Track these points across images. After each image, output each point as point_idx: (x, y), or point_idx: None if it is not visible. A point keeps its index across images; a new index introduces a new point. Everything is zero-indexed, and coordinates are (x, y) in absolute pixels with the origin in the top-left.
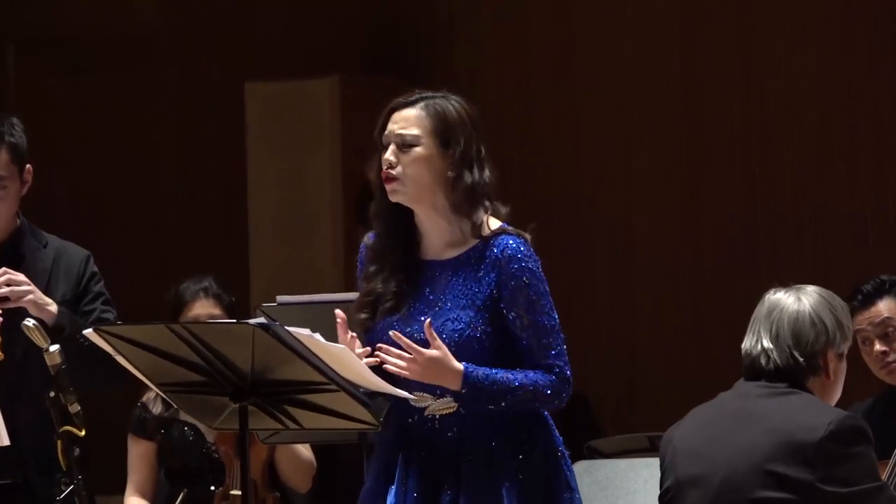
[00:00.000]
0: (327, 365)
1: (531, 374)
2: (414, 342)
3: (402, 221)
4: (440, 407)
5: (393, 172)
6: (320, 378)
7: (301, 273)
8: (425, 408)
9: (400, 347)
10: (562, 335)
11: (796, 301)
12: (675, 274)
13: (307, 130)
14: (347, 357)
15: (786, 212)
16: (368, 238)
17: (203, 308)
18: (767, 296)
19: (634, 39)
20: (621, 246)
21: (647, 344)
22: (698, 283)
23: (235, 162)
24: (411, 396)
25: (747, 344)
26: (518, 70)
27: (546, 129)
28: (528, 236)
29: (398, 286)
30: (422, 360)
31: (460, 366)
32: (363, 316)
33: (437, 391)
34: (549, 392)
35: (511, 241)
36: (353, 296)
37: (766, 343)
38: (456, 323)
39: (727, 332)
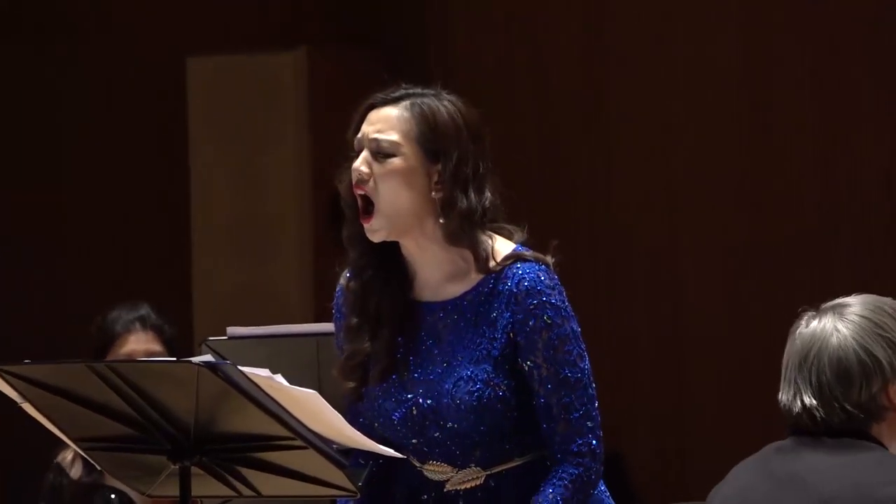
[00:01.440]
0: (291, 414)
1: (551, 490)
2: (419, 413)
3: (386, 250)
4: (464, 480)
5: (364, 188)
6: (283, 431)
7: (257, 299)
8: (444, 482)
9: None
10: (592, 391)
11: (835, 333)
12: (732, 313)
13: (266, 118)
14: (317, 404)
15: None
16: (346, 278)
17: (139, 343)
18: (798, 329)
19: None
20: (665, 280)
21: (698, 395)
22: (758, 323)
23: (174, 158)
24: (398, 455)
25: (785, 398)
26: (531, 40)
27: (570, 127)
28: (549, 261)
29: (390, 340)
30: None
31: None
32: (351, 385)
33: (459, 461)
34: (580, 495)
35: (528, 270)
36: (323, 328)
37: (808, 399)
38: (472, 383)
39: None
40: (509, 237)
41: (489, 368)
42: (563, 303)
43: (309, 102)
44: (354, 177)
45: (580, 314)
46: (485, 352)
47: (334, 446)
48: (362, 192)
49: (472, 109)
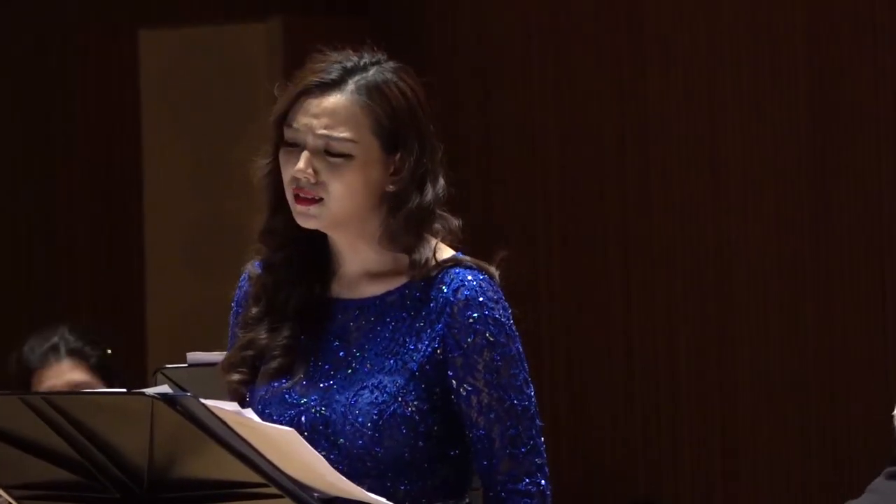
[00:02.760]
0: (264, 456)
1: None
2: (307, 423)
3: (304, 243)
4: None
5: (313, 191)
6: (253, 476)
7: (222, 319)
8: None
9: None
10: (539, 423)
11: None
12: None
13: (234, 101)
14: (294, 444)
15: None
16: (253, 267)
17: (58, 376)
18: None
19: None
20: (712, 283)
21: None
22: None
23: (122, 151)
24: (387, 502)
25: None
26: (549, 6)
27: (590, 108)
28: (493, 271)
29: (291, 336)
30: None
31: None
32: (236, 377)
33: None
34: None
35: (469, 278)
36: None
37: None
38: (376, 393)
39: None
40: (446, 236)
41: (400, 382)
42: (508, 319)
43: (284, 83)
44: (295, 181)
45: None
46: (400, 363)
47: (315, 494)
48: (307, 196)
49: (417, 79)
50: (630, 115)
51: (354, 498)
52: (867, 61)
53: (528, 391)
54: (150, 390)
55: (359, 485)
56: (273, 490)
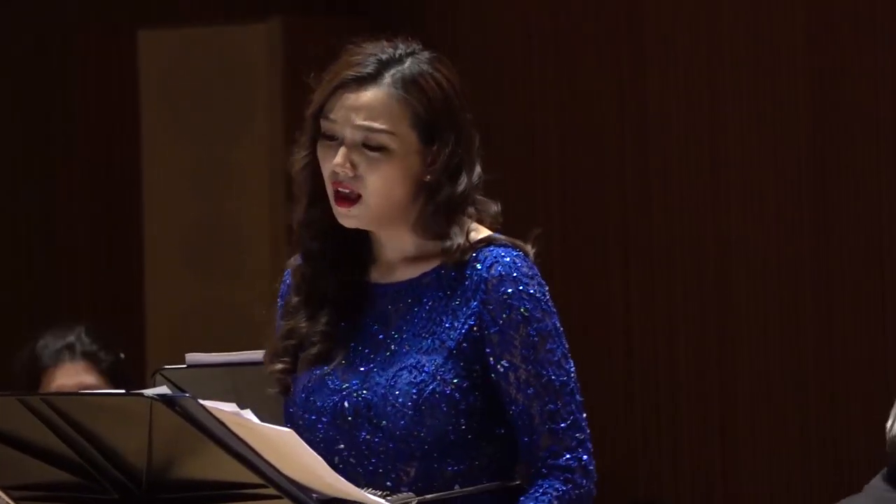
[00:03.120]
0: (262, 457)
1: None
2: (350, 407)
3: (341, 233)
4: None
5: (351, 185)
6: (252, 477)
7: (221, 320)
8: None
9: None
10: (579, 398)
11: None
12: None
13: (234, 101)
14: (293, 445)
15: None
16: (295, 261)
17: (69, 376)
18: None
19: None
20: (711, 277)
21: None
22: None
23: (122, 152)
24: (384, 502)
25: None
26: (550, 5)
27: (590, 108)
28: (528, 249)
29: (330, 322)
30: None
31: None
32: (279, 366)
33: (389, 480)
34: None
35: (503, 254)
36: None
37: None
38: (415, 373)
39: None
40: (483, 220)
41: (439, 360)
42: (544, 295)
43: (283, 84)
44: (335, 175)
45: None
46: (438, 342)
47: (314, 495)
48: (346, 190)
49: (453, 68)
50: (630, 115)
51: (353, 499)
52: (867, 61)
53: (567, 366)
54: (148, 391)
55: (406, 468)
56: (271, 491)
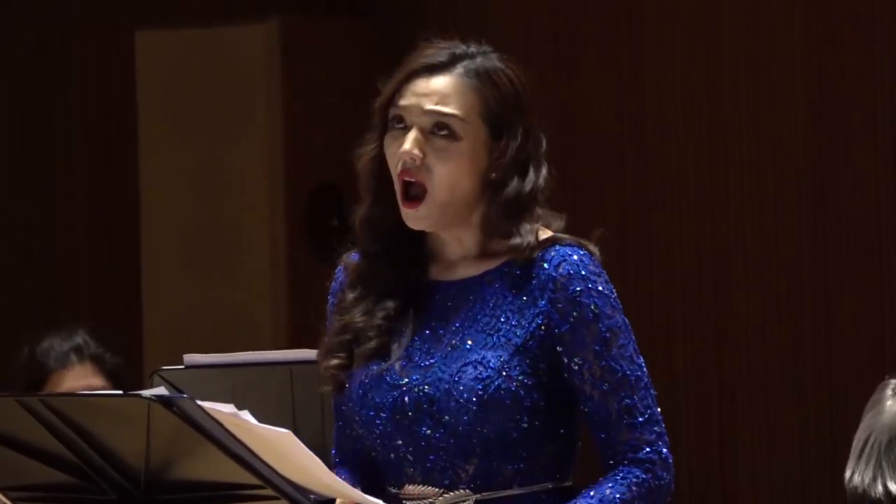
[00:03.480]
0: (260, 458)
1: (607, 488)
2: (411, 402)
3: (403, 232)
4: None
5: (418, 175)
6: (250, 478)
7: (219, 321)
8: None
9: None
10: (653, 391)
11: None
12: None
13: (233, 102)
14: (291, 446)
15: None
16: (349, 258)
17: (77, 379)
18: (887, 402)
19: None
20: (711, 278)
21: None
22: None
23: (119, 153)
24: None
25: (858, 479)
26: (556, 8)
27: (590, 108)
28: (594, 249)
29: (387, 317)
30: None
31: None
32: (334, 362)
33: (447, 478)
34: (643, 503)
35: (570, 253)
36: (298, 355)
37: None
38: (480, 368)
39: None
40: (548, 226)
41: (504, 357)
42: (612, 292)
43: (283, 84)
44: (400, 161)
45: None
46: (503, 339)
47: (311, 496)
48: (412, 180)
49: (521, 69)
50: (629, 116)
51: (350, 499)
52: (867, 61)
53: (639, 361)
54: (146, 392)
55: (466, 465)
56: (269, 492)
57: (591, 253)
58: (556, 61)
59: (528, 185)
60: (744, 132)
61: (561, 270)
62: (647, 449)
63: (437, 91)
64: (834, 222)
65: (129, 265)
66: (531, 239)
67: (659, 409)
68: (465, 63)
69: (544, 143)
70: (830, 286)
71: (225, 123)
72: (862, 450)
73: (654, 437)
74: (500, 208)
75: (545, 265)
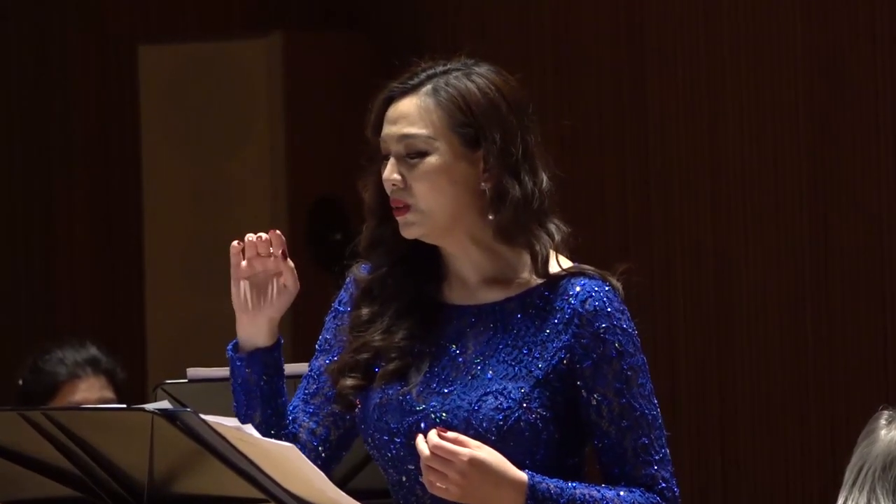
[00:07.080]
0: (264, 472)
1: (624, 493)
2: (427, 429)
3: (414, 251)
4: None
5: (401, 198)
6: (254, 492)
7: (222, 334)
8: None
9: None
10: (666, 432)
11: None
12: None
13: (233, 116)
14: (295, 460)
15: None
16: (359, 270)
17: (92, 391)
18: (881, 431)
19: None
20: (715, 287)
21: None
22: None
23: (121, 167)
24: None
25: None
26: (557, 22)
27: (590, 115)
28: (616, 283)
29: (406, 338)
30: (461, 463)
31: (522, 475)
32: (349, 383)
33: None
34: None
35: (596, 288)
36: (301, 369)
37: None
38: (501, 399)
39: None
40: (559, 246)
41: (526, 388)
42: (634, 330)
43: (284, 98)
44: (388, 188)
45: None
46: (525, 370)
47: None
48: (402, 206)
49: (508, 77)
50: (630, 120)
51: None
52: (868, 68)
53: (654, 401)
54: (150, 406)
55: None
56: None
57: (614, 288)
58: (555, 66)
59: (528, 188)
60: (744, 137)
61: (587, 306)
62: (663, 485)
63: (403, 114)
64: (835, 224)
65: (132, 278)
66: (548, 251)
67: (668, 451)
68: (434, 81)
69: (532, 143)
70: (832, 287)
71: (226, 137)
72: (856, 479)
73: (668, 475)
74: (510, 213)
75: (571, 300)
